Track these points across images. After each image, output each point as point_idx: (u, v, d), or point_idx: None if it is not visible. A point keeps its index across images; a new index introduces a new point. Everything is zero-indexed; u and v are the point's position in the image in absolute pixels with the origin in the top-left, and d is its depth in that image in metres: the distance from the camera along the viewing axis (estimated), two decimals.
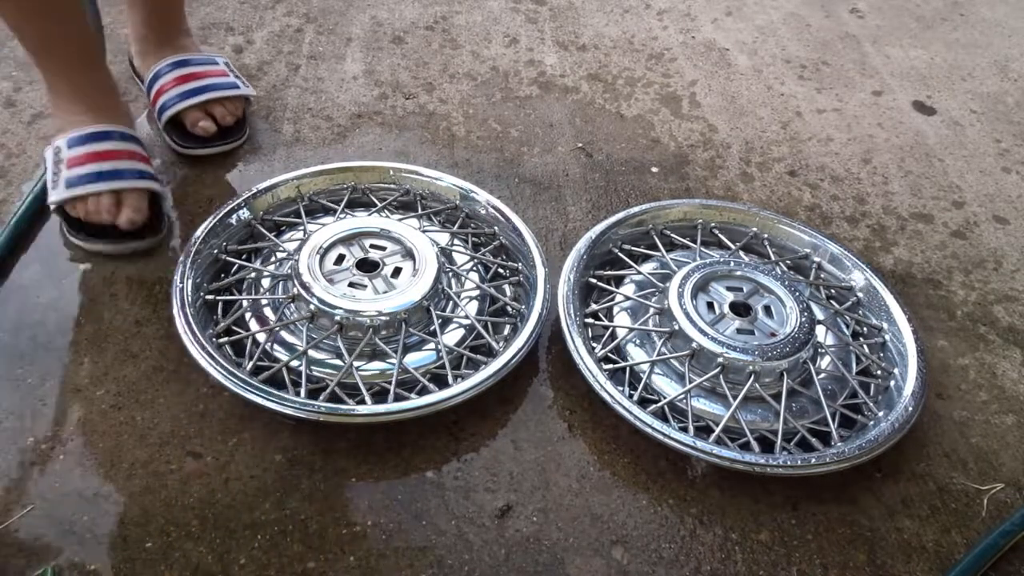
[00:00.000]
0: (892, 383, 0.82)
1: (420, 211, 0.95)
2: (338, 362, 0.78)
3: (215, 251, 0.87)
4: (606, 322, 0.86)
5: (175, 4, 1.05)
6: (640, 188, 1.07)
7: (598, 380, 0.76)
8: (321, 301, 0.78)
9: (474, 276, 0.89)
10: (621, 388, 0.78)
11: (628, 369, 0.81)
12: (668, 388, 0.79)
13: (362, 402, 0.75)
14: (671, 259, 0.91)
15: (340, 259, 0.84)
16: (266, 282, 0.85)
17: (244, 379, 0.73)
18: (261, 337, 0.80)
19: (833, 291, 0.92)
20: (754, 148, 1.15)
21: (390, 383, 0.76)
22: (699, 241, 0.94)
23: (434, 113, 1.16)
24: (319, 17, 1.33)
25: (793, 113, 1.23)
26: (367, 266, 0.84)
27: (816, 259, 0.94)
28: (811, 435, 0.76)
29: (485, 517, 0.72)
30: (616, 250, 0.92)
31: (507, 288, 0.89)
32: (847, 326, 0.89)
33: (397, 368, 0.77)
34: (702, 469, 0.76)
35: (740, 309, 0.83)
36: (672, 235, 0.95)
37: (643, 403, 0.77)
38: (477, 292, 0.87)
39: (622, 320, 0.86)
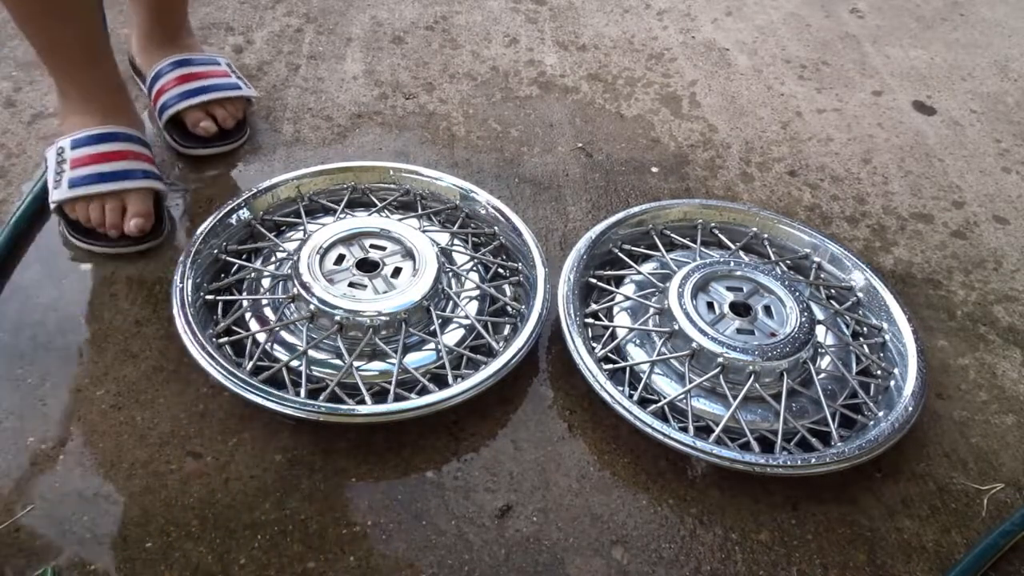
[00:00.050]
0: (892, 383, 0.82)
1: (420, 211, 0.95)
2: (338, 362, 0.78)
3: (215, 251, 0.87)
4: (606, 322, 0.86)
5: (178, 3, 1.05)
6: (640, 188, 1.07)
7: (598, 380, 0.76)
8: (321, 301, 0.78)
9: (474, 276, 0.89)
10: (621, 388, 0.78)
11: (628, 369, 0.81)
12: (668, 388, 0.79)
13: (362, 402, 0.75)
14: (671, 259, 0.91)
15: (340, 259, 0.84)
16: (266, 282, 0.85)
17: (244, 379, 0.73)
18: (261, 337, 0.80)
19: (833, 291, 0.92)
20: (754, 148, 1.15)
21: (390, 383, 0.76)
22: (699, 241, 0.94)
23: (434, 113, 1.16)
24: (319, 17, 1.33)
25: (793, 113, 1.23)
26: (367, 266, 0.84)
27: (816, 259, 0.94)
28: (811, 435, 0.76)
29: (485, 517, 0.72)
30: (616, 250, 0.92)
31: (507, 288, 0.89)
32: (847, 326, 0.89)
33: (397, 368, 0.77)
34: (702, 469, 0.76)
35: (740, 309, 0.83)
36: (672, 235, 0.95)
37: (643, 403, 0.77)
38: (477, 292, 0.87)
39: (622, 320, 0.86)
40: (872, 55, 1.37)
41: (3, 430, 0.75)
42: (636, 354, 0.83)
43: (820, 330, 0.85)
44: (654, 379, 0.80)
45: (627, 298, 0.87)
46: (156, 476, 0.72)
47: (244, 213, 0.91)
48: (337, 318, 0.78)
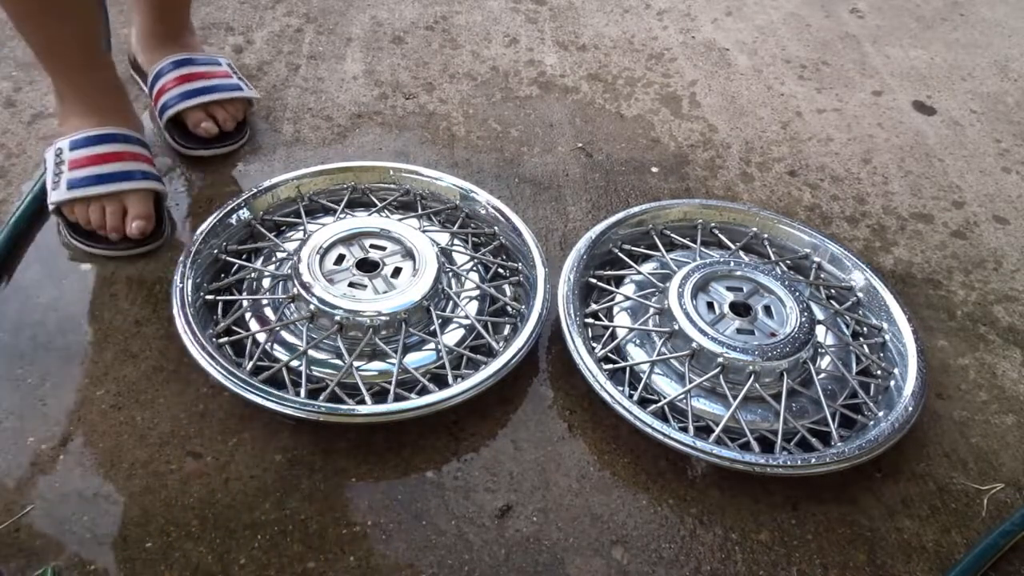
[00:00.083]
0: (892, 383, 0.82)
1: (420, 211, 0.95)
2: (338, 362, 0.78)
3: (215, 251, 0.87)
4: (606, 322, 0.86)
5: (181, 2, 1.05)
6: (640, 188, 1.07)
7: (598, 380, 0.76)
8: (321, 301, 0.78)
9: (474, 276, 0.89)
10: (621, 388, 0.78)
11: (628, 369, 0.81)
12: (668, 388, 0.79)
13: (362, 402, 0.75)
14: (671, 259, 0.91)
15: (340, 259, 0.84)
16: (266, 282, 0.85)
17: (244, 379, 0.73)
18: (261, 337, 0.80)
19: (833, 291, 0.92)
20: (754, 148, 1.15)
21: (390, 383, 0.76)
22: (699, 241, 0.94)
23: (434, 113, 1.16)
24: (319, 17, 1.33)
25: (793, 113, 1.23)
26: (367, 266, 0.84)
27: (816, 259, 0.94)
28: (811, 435, 0.76)
29: (485, 517, 0.72)
30: (616, 250, 0.92)
31: (507, 288, 0.89)
32: (847, 326, 0.89)
33: (397, 368, 0.77)
34: (702, 469, 0.76)
35: (740, 309, 0.83)
36: (672, 235, 0.95)
37: (643, 403, 0.77)
38: (477, 292, 0.87)
39: (622, 320, 0.86)
40: (872, 55, 1.37)
41: (3, 430, 0.75)
42: (636, 354, 0.83)
43: (820, 330, 0.85)
44: (654, 379, 0.80)
45: (627, 298, 0.87)
46: (156, 476, 0.72)
47: (244, 213, 0.91)
48: (337, 318, 0.77)
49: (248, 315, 0.82)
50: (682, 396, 0.78)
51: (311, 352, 0.78)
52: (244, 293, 0.85)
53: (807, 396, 0.79)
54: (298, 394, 0.74)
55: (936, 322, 0.92)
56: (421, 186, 0.96)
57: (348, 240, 0.85)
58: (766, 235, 0.96)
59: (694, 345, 0.79)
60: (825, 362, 0.83)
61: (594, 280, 0.89)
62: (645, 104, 1.21)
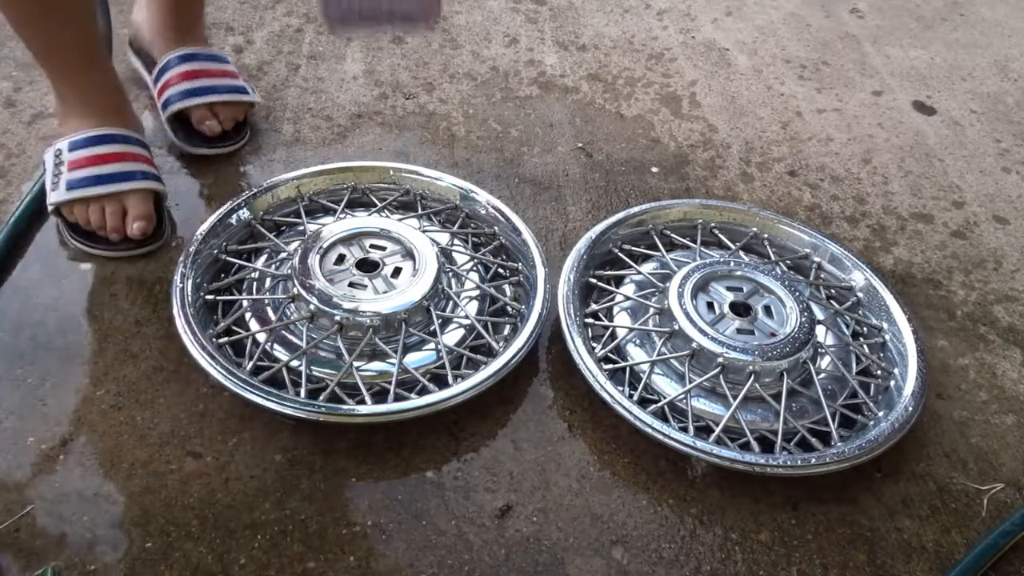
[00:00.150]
0: (892, 383, 0.82)
1: (420, 211, 0.95)
2: (338, 362, 0.78)
3: (215, 251, 0.87)
4: (606, 322, 0.86)
5: None
6: (640, 188, 1.07)
7: (598, 380, 0.76)
8: (321, 300, 0.78)
9: (474, 276, 0.89)
10: (621, 388, 0.78)
11: (628, 369, 0.81)
12: (668, 388, 0.79)
13: (362, 402, 0.75)
14: (671, 259, 0.91)
15: (340, 259, 0.84)
16: (266, 282, 0.85)
17: (244, 379, 0.73)
18: (261, 337, 0.80)
19: (833, 291, 0.92)
20: (754, 148, 1.15)
21: (390, 383, 0.76)
22: (699, 241, 0.94)
23: (434, 113, 1.16)
24: (319, 17, 1.33)
25: (793, 113, 1.23)
26: (367, 266, 0.84)
27: (816, 259, 0.94)
28: (811, 435, 0.76)
29: (485, 517, 0.72)
30: (616, 250, 0.92)
31: (507, 288, 0.89)
32: (847, 326, 0.89)
33: (397, 368, 0.77)
34: (702, 469, 0.76)
35: (740, 309, 0.83)
36: (672, 235, 0.95)
37: (643, 403, 0.77)
38: (477, 292, 0.87)
39: (622, 320, 0.86)
40: (872, 55, 1.37)
41: (3, 430, 0.75)
42: (636, 354, 0.83)
43: (820, 330, 0.85)
44: (654, 379, 0.80)
45: (627, 298, 0.87)
46: (156, 476, 0.72)
47: (244, 213, 0.91)
48: (337, 318, 0.77)
49: (248, 315, 0.82)
50: (682, 396, 0.78)
51: (311, 352, 0.78)
52: (244, 293, 0.85)
53: (807, 396, 0.79)
54: (298, 394, 0.74)
55: (936, 322, 0.92)
56: (421, 186, 0.96)
57: (348, 240, 0.85)
58: (766, 235, 0.96)
59: (694, 345, 0.79)
60: (825, 362, 0.83)
61: (594, 280, 0.89)
62: (645, 104, 1.21)
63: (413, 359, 0.79)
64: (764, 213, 0.96)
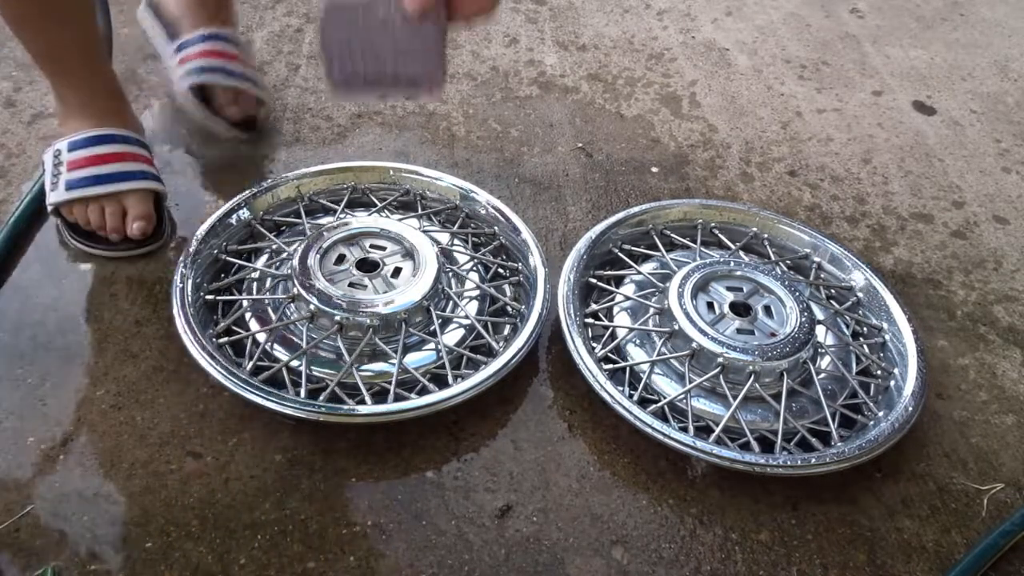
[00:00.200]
0: (892, 383, 0.82)
1: (420, 211, 0.95)
2: (338, 362, 0.78)
3: (215, 251, 0.87)
4: (606, 322, 0.86)
5: None
6: (640, 188, 1.07)
7: (598, 380, 0.76)
8: (321, 300, 0.78)
9: (474, 276, 0.89)
10: (621, 388, 0.78)
11: (628, 369, 0.81)
12: (668, 388, 0.79)
13: (362, 402, 0.75)
14: (671, 259, 0.91)
15: (340, 259, 0.84)
16: (266, 282, 0.85)
17: (244, 379, 0.73)
18: (261, 337, 0.80)
19: (833, 291, 0.92)
20: (754, 148, 1.15)
21: (390, 383, 0.76)
22: (699, 241, 0.94)
23: (434, 113, 1.16)
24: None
25: (793, 113, 1.23)
26: (367, 266, 0.84)
27: (816, 259, 0.94)
28: (811, 435, 0.76)
29: (485, 517, 0.72)
30: (616, 250, 0.92)
31: (507, 288, 0.89)
32: (847, 326, 0.89)
33: (397, 368, 0.77)
34: (702, 469, 0.76)
35: (740, 309, 0.83)
36: (672, 235, 0.95)
37: (643, 403, 0.77)
38: (477, 292, 0.87)
39: (622, 320, 0.86)
40: (872, 55, 1.37)
41: (3, 430, 0.75)
42: (636, 354, 0.83)
43: (820, 330, 0.85)
44: (654, 379, 0.80)
45: (627, 298, 0.87)
46: (156, 476, 0.72)
47: (244, 213, 0.91)
48: (337, 318, 0.77)
49: (248, 315, 0.82)
50: (682, 396, 0.78)
51: (311, 352, 0.78)
52: (244, 293, 0.85)
53: (807, 396, 0.79)
54: (298, 394, 0.74)
55: (936, 322, 0.92)
56: (421, 186, 0.96)
57: (348, 240, 0.85)
58: (766, 235, 0.96)
59: (694, 345, 0.79)
60: (825, 362, 0.83)
61: (594, 280, 0.89)
62: (645, 104, 1.21)
63: (413, 359, 0.79)
64: (764, 213, 0.96)
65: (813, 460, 0.72)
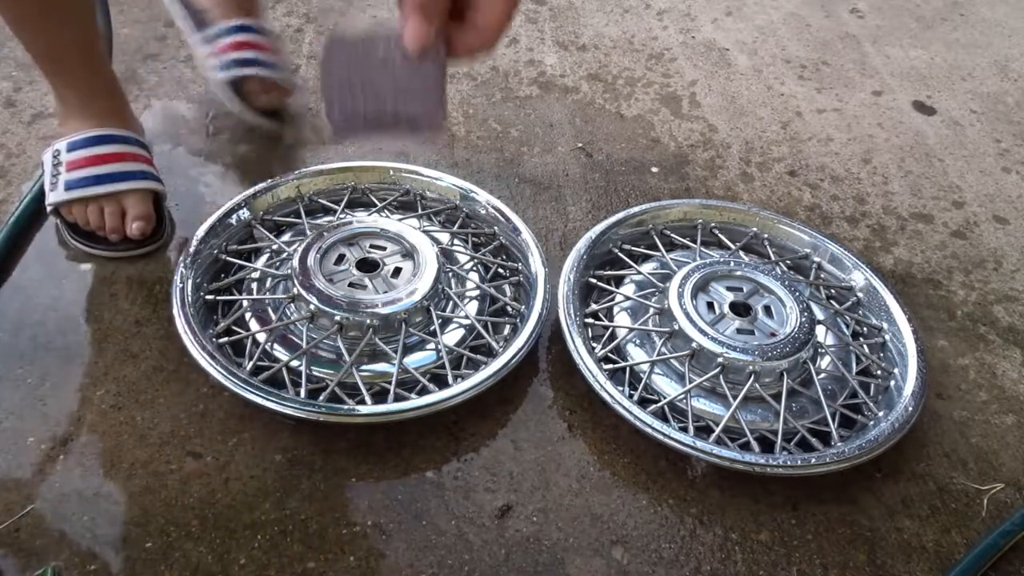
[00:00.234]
0: (892, 383, 0.82)
1: (420, 211, 0.95)
2: (338, 362, 0.78)
3: (215, 251, 0.87)
4: (606, 322, 0.86)
5: None
6: (640, 188, 1.07)
7: (598, 380, 0.76)
8: (321, 300, 0.78)
9: (474, 276, 0.89)
10: (621, 388, 0.78)
11: (628, 369, 0.81)
12: (668, 388, 0.79)
13: (362, 402, 0.75)
14: (671, 259, 0.91)
15: (340, 259, 0.84)
16: (266, 282, 0.85)
17: (244, 379, 0.73)
18: (261, 337, 0.80)
19: (833, 291, 0.92)
20: (754, 148, 1.15)
21: (390, 383, 0.76)
22: (699, 241, 0.94)
23: None
24: (319, 17, 1.33)
25: (793, 113, 1.23)
26: (367, 266, 0.84)
27: (816, 259, 0.94)
28: (811, 435, 0.76)
29: (485, 517, 0.72)
30: (616, 250, 0.92)
31: (507, 288, 0.89)
32: (847, 326, 0.89)
33: (397, 368, 0.77)
34: (702, 469, 0.76)
35: (740, 309, 0.83)
36: (672, 235, 0.95)
37: (643, 403, 0.77)
38: (477, 292, 0.87)
39: (622, 320, 0.86)
40: (872, 55, 1.37)
41: (3, 430, 0.75)
42: (636, 354, 0.83)
43: (820, 330, 0.85)
44: (654, 379, 0.80)
45: (627, 298, 0.87)
46: (156, 476, 0.72)
47: (244, 213, 0.91)
48: (337, 318, 0.77)
49: (248, 315, 0.82)
50: (682, 396, 0.78)
51: (311, 352, 0.78)
52: (244, 293, 0.85)
53: (807, 396, 0.79)
54: (298, 394, 0.74)
55: (936, 322, 0.92)
56: (421, 186, 0.96)
57: (348, 240, 0.85)
58: (766, 235, 0.96)
59: (694, 345, 0.79)
60: (825, 362, 0.83)
61: (594, 280, 0.89)
62: (645, 104, 1.21)
63: (413, 359, 0.79)
64: (764, 213, 0.96)
65: (813, 460, 0.72)
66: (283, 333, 0.80)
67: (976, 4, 1.53)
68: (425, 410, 0.73)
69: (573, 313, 0.82)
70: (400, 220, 0.90)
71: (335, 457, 0.75)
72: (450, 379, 0.77)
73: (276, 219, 0.92)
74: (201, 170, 1.03)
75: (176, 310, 0.78)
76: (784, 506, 0.74)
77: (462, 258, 0.90)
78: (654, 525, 0.72)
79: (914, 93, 1.29)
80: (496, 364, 0.77)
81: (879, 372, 0.84)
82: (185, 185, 1.01)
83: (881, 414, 0.78)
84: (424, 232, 0.88)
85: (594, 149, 1.12)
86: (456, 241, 0.92)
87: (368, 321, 0.78)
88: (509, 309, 0.87)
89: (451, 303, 0.85)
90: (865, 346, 0.85)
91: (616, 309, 0.87)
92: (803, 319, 0.81)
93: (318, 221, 0.92)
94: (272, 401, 0.72)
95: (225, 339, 0.80)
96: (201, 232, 0.86)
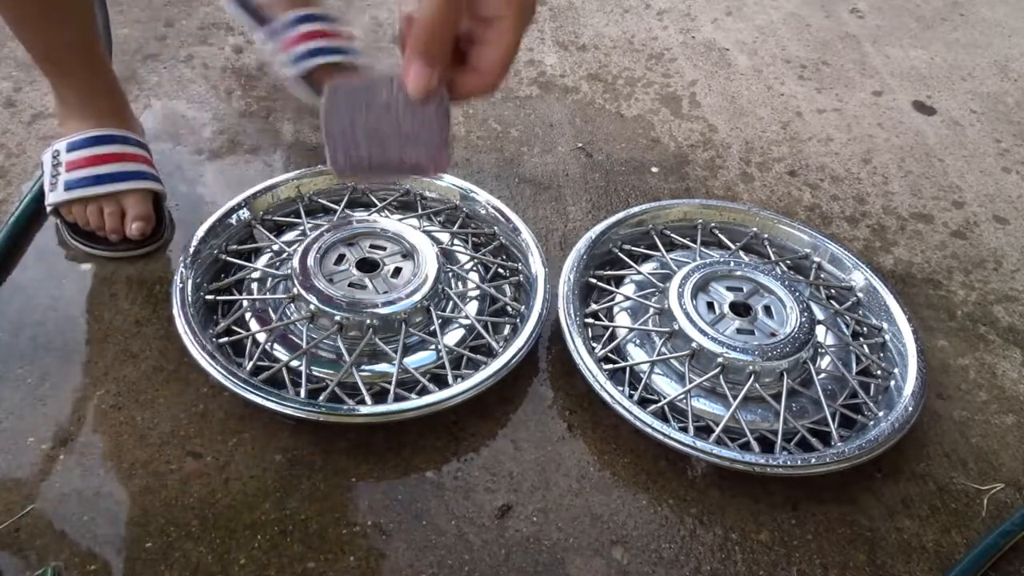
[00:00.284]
0: (892, 383, 0.82)
1: (420, 211, 0.95)
2: (338, 362, 0.78)
3: (215, 251, 0.87)
4: (606, 322, 0.86)
5: None
6: (640, 188, 1.07)
7: (598, 380, 0.76)
8: (320, 300, 0.78)
9: (474, 276, 0.89)
10: (621, 388, 0.78)
11: (628, 369, 0.81)
12: (668, 388, 0.79)
13: (362, 402, 0.75)
14: (671, 259, 0.91)
15: (340, 259, 0.84)
16: (266, 282, 0.85)
17: (244, 379, 0.73)
18: (261, 337, 0.80)
19: (833, 291, 0.92)
20: (754, 148, 1.15)
21: (390, 383, 0.76)
22: (699, 241, 0.94)
23: None
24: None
25: (793, 113, 1.23)
26: (367, 266, 0.84)
27: (816, 259, 0.94)
28: (811, 435, 0.76)
29: (485, 517, 0.72)
30: (616, 250, 0.92)
31: (507, 288, 0.89)
32: (847, 326, 0.89)
33: (397, 368, 0.77)
34: (702, 469, 0.76)
35: (740, 309, 0.83)
36: (672, 235, 0.95)
37: (643, 403, 0.77)
38: (477, 292, 0.87)
39: (622, 320, 0.86)
40: (872, 55, 1.37)
41: (3, 430, 0.75)
42: (636, 354, 0.83)
43: (820, 330, 0.85)
44: (654, 379, 0.80)
45: (627, 298, 0.87)
46: (156, 476, 0.72)
47: (244, 213, 0.91)
48: (337, 318, 0.77)
49: (248, 315, 0.82)
50: (682, 396, 0.78)
51: (311, 352, 0.78)
52: (244, 293, 0.85)
53: (807, 396, 0.79)
54: (298, 394, 0.74)
55: (936, 322, 0.92)
56: (421, 186, 0.96)
57: (348, 240, 0.85)
58: (766, 235, 0.96)
59: (694, 345, 0.79)
60: (825, 362, 0.83)
61: (594, 280, 0.89)
62: (645, 104, 1.21)
63: (413, 359, 0.79)
64: (764, 213, 0.96)
65: (813, 460, 0.72)
66: (283, 333, 0.80)
67: (976, 4, 1.53)
68: (425, 410, 0.73)
69: (573, 313, 0.82)
70: (400, 220, 0.90)
71: (335, 457, 0.75)
72: (450, 379, 0.77)
73: (276, 219, 0.92)
74: (201, 170, 1.03)
75: (176, 310, 0.78)
76: (784, 506, 0.74)
77: (462, 258, 0.90)
78: (654, 525, 0.72)
79: (914, 93, 1.29)
80: (496, 364, 0.77)
81: (879, 372, 0.84)
82: (185, 185, 1.01)
83: (881, 414, 0.78)
84: (424, 232, 0.88)
85: (594, 149, 1.12)
86: (456, 241, 0.92)
87: (368, 321, 0.78)
88: (509, 309, 0.87)
89: (451, 303, 0.85)
90: (865, 346, 0.85)
91: (616, 309, 0.87)
92: (803, 319, 0.81)
93: (318, 221, 0.92)
94: (272, 401, 0.72)
95: (225, 339, 0.80)
96: (201, 232, 0.86)
